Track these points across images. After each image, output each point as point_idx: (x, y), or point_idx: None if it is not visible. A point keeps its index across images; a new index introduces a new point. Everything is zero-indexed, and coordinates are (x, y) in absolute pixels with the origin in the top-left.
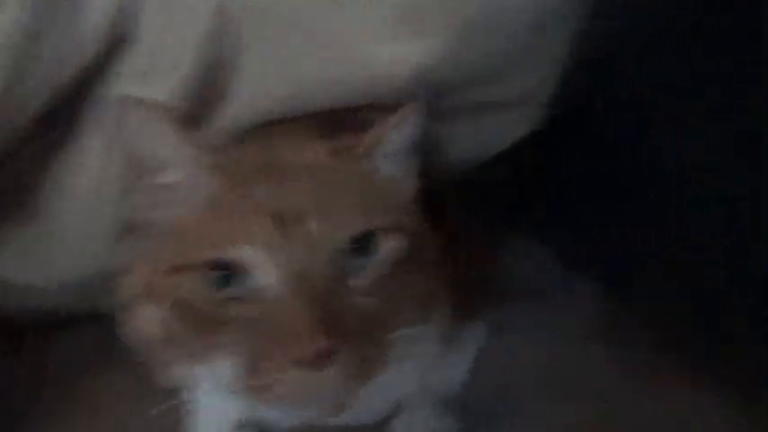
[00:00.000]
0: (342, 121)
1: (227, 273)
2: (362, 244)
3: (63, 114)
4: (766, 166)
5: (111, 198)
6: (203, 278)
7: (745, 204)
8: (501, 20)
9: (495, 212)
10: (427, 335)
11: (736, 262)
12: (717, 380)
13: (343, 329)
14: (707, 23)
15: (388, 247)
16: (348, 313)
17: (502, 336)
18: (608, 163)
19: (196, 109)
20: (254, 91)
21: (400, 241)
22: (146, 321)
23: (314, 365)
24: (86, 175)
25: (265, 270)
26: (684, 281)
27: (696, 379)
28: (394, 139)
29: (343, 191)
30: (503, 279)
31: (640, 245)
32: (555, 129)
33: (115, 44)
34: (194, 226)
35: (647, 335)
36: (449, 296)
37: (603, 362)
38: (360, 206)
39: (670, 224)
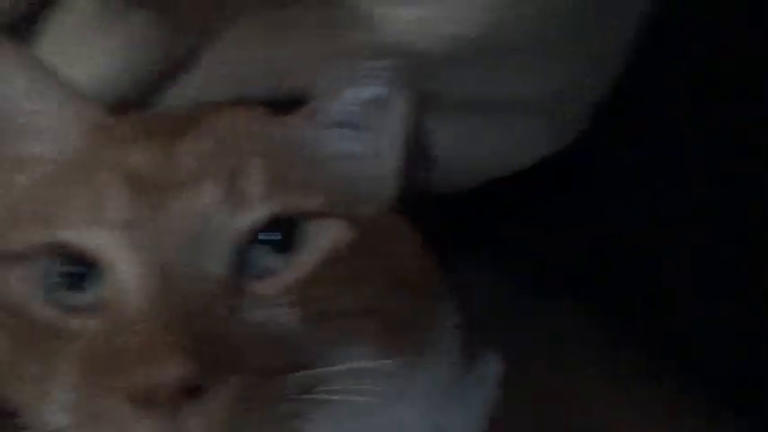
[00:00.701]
0: None
1: (70, 267)
2: (278, 235)
3: None
4: None
5: None
6: (33, 272)
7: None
8: None
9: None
10: (410, 373)
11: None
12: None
13: (226, 355)
14: None
15: (320, 238)
16: (240, 333)
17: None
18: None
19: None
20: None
21: (340, 232)
22: None
23: (163, 407)
24: None
25: (120, 262)
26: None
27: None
28: (346, 103)
29: (263, 160)
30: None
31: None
32: None
33: None
34: (32, 195)
35: (646, 363)
36: (447, 317)
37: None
38: (285, 181)
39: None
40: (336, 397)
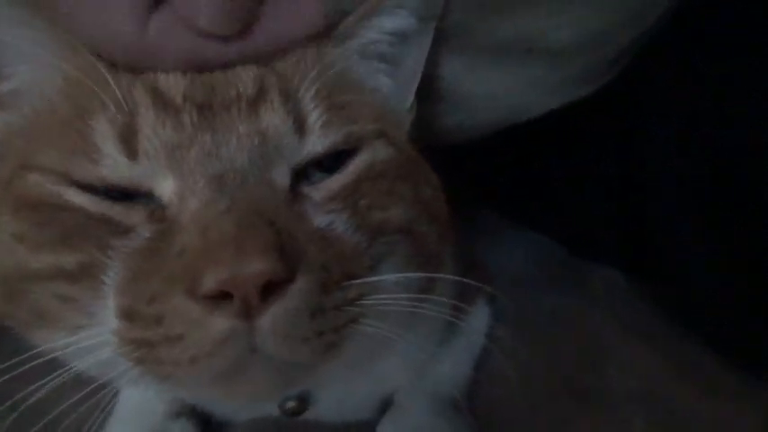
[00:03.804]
0: None
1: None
2: (336, 155)
3: None
4: None
5: None
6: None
7: None
8: None
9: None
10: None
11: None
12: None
13: (299, 255)
14: None
15: (364, 155)
16: (306, 237)
17: (514, 327)
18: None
19: None
20: None
21: (380, 149)
22: None
23: (237, 304)
24: None
25: (165, 186)
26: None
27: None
28: (376, 32)
29: (314, 85)
30: (501, 265)
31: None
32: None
33: None
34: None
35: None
36: (452, 261)
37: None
38: (339, 106)
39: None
40: (382, 305)
